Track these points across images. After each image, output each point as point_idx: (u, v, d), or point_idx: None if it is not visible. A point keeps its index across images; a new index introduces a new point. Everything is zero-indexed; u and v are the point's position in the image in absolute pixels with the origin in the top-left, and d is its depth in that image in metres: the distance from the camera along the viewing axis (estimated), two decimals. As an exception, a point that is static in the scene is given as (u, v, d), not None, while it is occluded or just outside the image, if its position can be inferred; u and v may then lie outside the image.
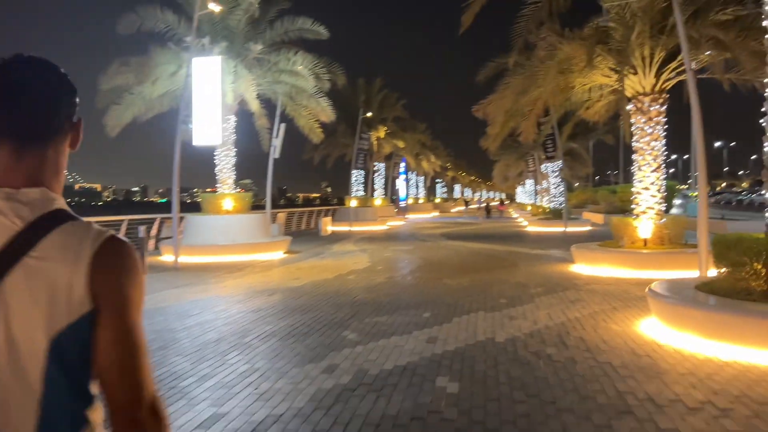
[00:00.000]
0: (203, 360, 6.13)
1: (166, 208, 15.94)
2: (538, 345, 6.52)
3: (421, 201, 68.19)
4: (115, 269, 1.08)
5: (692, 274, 9.79)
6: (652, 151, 12.98)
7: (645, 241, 12.77)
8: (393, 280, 12.11)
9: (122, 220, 18.76)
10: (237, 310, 9.05)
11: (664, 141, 13.07)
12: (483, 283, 11.26)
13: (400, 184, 53.34)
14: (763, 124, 7.13)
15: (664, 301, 6.96)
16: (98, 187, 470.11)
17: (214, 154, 19.04)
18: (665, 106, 13.06)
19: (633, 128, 13.24)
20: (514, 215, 50.83)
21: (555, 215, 30.75)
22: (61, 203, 1.13)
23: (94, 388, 1.09)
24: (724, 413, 4.37)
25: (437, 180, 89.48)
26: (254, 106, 18.51)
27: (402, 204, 51.23)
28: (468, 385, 5.16)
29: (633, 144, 13.31)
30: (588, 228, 27.44)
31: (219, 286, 11.68)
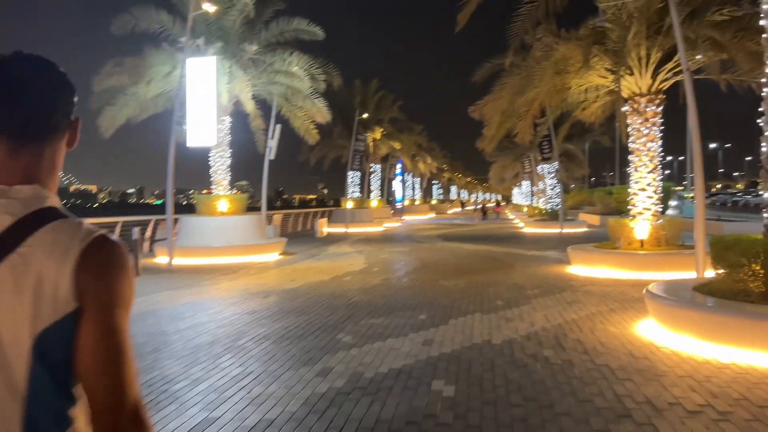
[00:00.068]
0: (196, 363, 6.05)
1: (161, 209, 15.85)
2: (535, 347, 6.46)
3: (417, 202, 68.18)
4: (101, 268, 1.05)
5: (689, 275, 9.76)
6: (649, 152, 12.95)
7: (642, 243, 12.73)
8: (389, 282, 12.03)
9: (116, 222, 18.64)
10: (231, 312, 8.97)
11: (660, 142, 13.04)
12: (479, 285, 11.19)
13: (397, 185, 53.26)
14: (761, 125, 7.09)
15: (662, 303, 6.90)
16: (94, 188, 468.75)
17: (209, 155, 18.94)
18: (661, 107, 13.03)
19: (629, 129, 13.20)
20: (511, 216, 50.87)
21: (551, 216, 30.74)
22: (53, 201, 1.11)
23: (80, 389, 1.06)
24: (724, 416, 4.31)
25: (433, 181, 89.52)
26: (249, 107, 18.42)
27: (398, 205, 51.17)
28: (464, 389, 5.09)
29: (629, 145, 13.27)
30: (584, 229, 27.43)
31: (213, 288, 11.58)
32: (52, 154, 1.15)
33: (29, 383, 1.01)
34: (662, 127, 13.08)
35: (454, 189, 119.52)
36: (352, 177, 38.72)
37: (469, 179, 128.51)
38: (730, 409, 4.45)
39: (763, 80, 7.12)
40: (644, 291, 7.47)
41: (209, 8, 15.42)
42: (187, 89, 15.84)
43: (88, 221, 1.12)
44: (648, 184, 12.98)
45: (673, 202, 32.58)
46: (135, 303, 1.14)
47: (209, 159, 19.03)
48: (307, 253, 18.39)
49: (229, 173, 19.22)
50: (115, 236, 1.12)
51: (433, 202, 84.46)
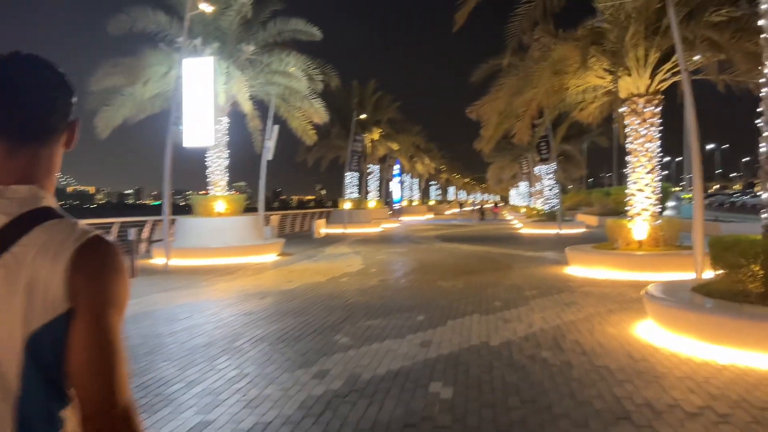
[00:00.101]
0: (191, 365, 5.99)
1: (159, 210, 15.80)
2: (533, 349, 6.42)
3: (415, 203, 68.10)
4: (94, 268, 1.05)
5: (687, 276, 9.73)
6: (647, 152, 12.92)
7: (640, 243, 12.70)
8: (386, 283, 11.99)
9: (113, 223, 18.57)
10: (228, 313, 8.92)
11: (658, 142, 13.02)
12: (477, 286, 11.16)
13: (394, 186, 53.22)
14: (760, 125, 7.06)
15: (661, 304, 6.87)
16: (91, 189, 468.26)
17: (206, 156, 18.88)
18: (659, 108, 13.01)
19: (627, 130, 13.17)
20: (508, 217, 50.87)
21: (549, 217, 30.73)
22: (49, 201, 1.11)
23: (74, 390, 1.05)
24: (724, 419, 4.27)
25: (431, 182, 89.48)
26: (247, 107, 18.37)
27: (396, 206, 51.14)
28: (462, 391, 5.04)
29: (627, 146, 13.24)
30: (582, 230, 27.41)
31: (210, 289, 11.53)
32: (50, 155, 1.14)
33: (21, 383, 1.00)
34: (660, 128, 13.06)
35: (452, 190, 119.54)
36: (350, 178, 38.71)
37: (467, 180, 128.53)
38: (730, 412, 4.41)
39: (762, 80, 7.09)
40: (643, 292, 7.43)
41: (206, 8, 15.36)
42: (184, 90, 15.77)
43: (85, 222, 1.10)
44: (646, 185, 12.95)
45: (670, 203, 32.57)
46: (130, 304, 1.12)
47: (206, 160, 18.97)
48: (305, 254, 18.33)
49: (227, 174, 19.16)
50: (110, 237, 1.10)
51: (431, 202, 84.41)
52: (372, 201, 42.51)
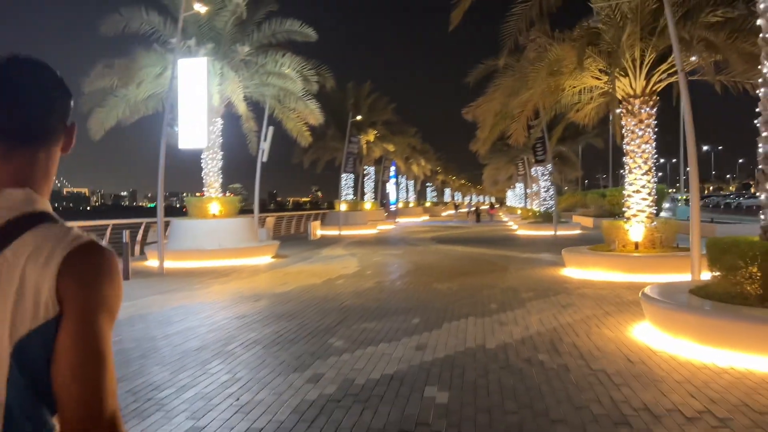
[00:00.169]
0: (183, 369, 5.90)
1: (154, 212, 15.70)
2: (529, 352, 6.35)
3: (411, 205, 68.09)
4: (84, 274, 1.02)
5: (684, 277, 9.69)
6: (643, 153, 12.89)
7: (636, 245, 12.66)
8: (382, 285, 11.91)
9: (107, 225, 18.42)
10: (221, 316, 8.82)
11: (654, 144, 12.99)
12: (473, 288, 11.09)
13: (390, 187, 53.16)
14: (758, 125, 7.02)
15: (658, 306, 6.81)
16: (86, 191, 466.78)
17: (201, 157, 18.77)
18: (655, 109, 12.98)
19: (623, 131, 13.14)
20: (504, 219, 50.87)
21: (545, 218, 30.72)
22: (44, 205, 1.09)
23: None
24: (724, 423, 4.21)
25: (427, 184, 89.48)
26: (241, 108, 18.27)
27: (392, 208, 51.06)
28: (458, 395, 4.97)
29: (624, 147, 13.21)
30: (578, 231, 27.42)
31: (204, 291, 11.42)
32: (47, 159, 1.13)
33: (9, 389, 0.97)
34: (656, 129, 13.04)
35: (448, 191, 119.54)
36: (346, 179, 38.61)
37: (462, 182, 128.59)
38: (730, 416, 4.34)
39: (760, 81, 7.05)
40: (640, 294, 7.37)
41: (200, 9, 15.27)
42: (178, 91, 15.67)
43: (79, 224, 1.03)
44: (642, 186, 12.92)
45: (666, 204, 32.62)
46: (124, 307, 1.08)
47: (201, 161, 18.87)
48: (300, 256, 18.24)
49: (221, 176, 19.06)
50: (104, 242, 1.08)
51: (427, 204, 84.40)
52: (368, 203, 42.46)
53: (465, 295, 10.30)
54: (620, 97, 12.99)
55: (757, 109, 7.04)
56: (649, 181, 12.93)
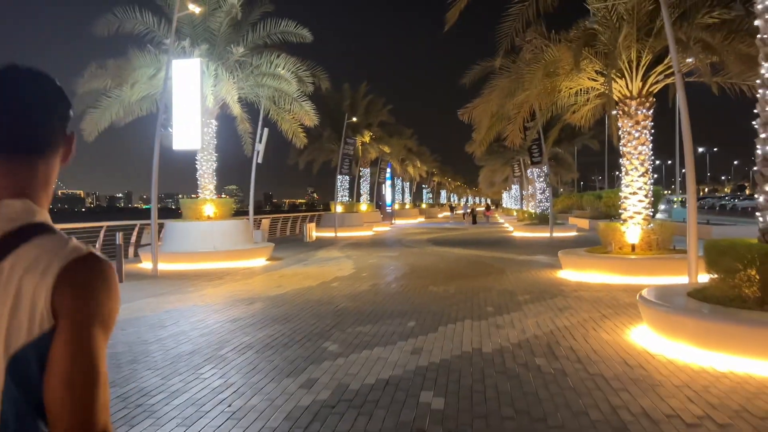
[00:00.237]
0: (175, 374, 5.80)
1: (149, 214, 15.59)
2: (526, 356, 6.27)
3: (407, 206, 67.99)
4: (80, 286, 1.02)
5: (681, 279, 9.63)
6: (639, 155, 12.84)
7: (633, 247, 12.60)
8: (377, 288, 11.82)
9: (101, 227, 18.27)
10: (214, 320, 8.72)
11: (651, 145, 12.94)
12: (469, 291, 11.01)
13: (386, 189, 53.09)
14: (755, 126, 6.96)
15: (656, 309, 6.74)
16: (81, 193, 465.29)
17: (195, 159, 18.65)
18: (652, 110, 12.93)
19: (620, 132, 13.09)
20: (500, 220, 50.84)
21: (541, 220, 30.70)
22: (43, 216, 1.09)
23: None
24: (724, 429, 4.14)
25: (423, 185, 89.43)
26: (236, 109, 18.17)
27: (388, 209, 50.98)
28: (454, 401, 4.88)
29: (620, 148, 13.17)
30: (574, 233, 27.38)
31: (197, 294, 11.31)
32: (46, 169, 1.13)
33: (4, 402, 0.97)
34: (652, 131, 12.99)
35: (444, 193, 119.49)
36: (342, 181, 38.52)
37: (458, 183, 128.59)
38: (730, 422, 4.27)
39: (758, 82, 6.99)
40: (637, 297, 7.31)
41: (195, 9, 15.17)
42: (172, 92, 15.55)
43: (73, 226, 0.96)
44: (639, 188, 12.87)
45: (661, 206, 32.65)
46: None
47: (196, 163, 18.75)
48: (295, 258, 18.14)
49: (215, 177, 18.93)
50: (102, 255, 1.08)
51: (423, 206, 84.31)
52: (364, 204, 42.36)
53: (461, 298, 10.22)
54: (617, 99, 12.95)
55: (755, 111, 6.99)
56: (645, 183, 12.89)
